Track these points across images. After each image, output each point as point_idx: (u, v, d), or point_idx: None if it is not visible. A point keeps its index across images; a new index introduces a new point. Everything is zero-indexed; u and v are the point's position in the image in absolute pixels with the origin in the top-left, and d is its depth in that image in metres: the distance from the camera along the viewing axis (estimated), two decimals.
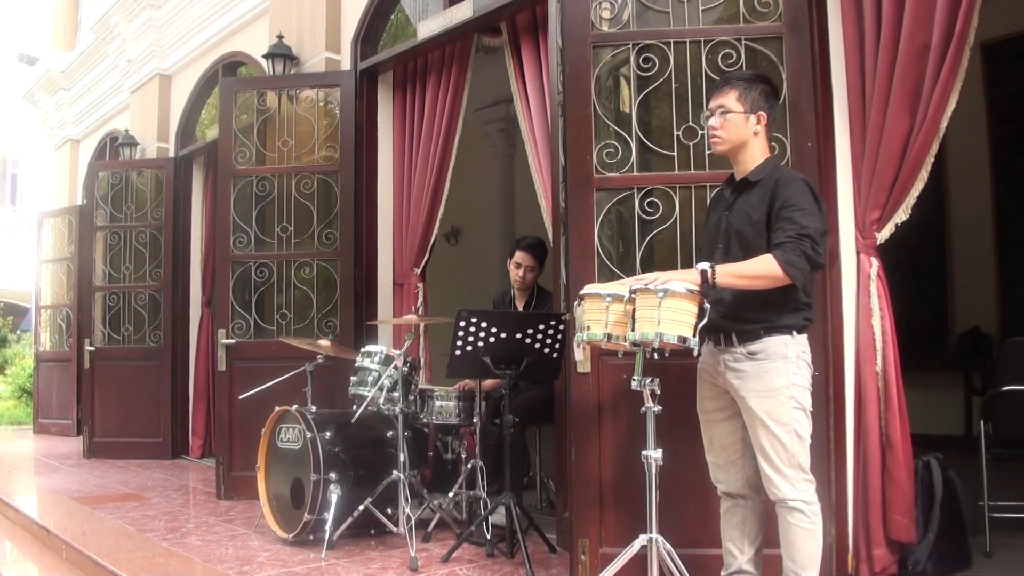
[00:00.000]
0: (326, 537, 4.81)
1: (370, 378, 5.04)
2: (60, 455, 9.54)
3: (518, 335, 4.66)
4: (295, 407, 5.12)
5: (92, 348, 9.23)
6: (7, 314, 22.10)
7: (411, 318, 5.46)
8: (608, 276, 3.98)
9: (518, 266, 5.84)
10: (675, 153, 4.07)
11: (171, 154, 9.39)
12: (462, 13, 5.94)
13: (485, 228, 10.89)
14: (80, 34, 12.87)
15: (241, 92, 6.88)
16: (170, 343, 9.03)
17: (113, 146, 11.07)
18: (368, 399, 4.95)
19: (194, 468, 8.49)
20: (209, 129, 8.91)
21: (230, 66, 8.60)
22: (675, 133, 4.07)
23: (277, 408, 5.24)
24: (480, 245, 10.93)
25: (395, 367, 4.96)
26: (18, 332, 21.35)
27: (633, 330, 3.15)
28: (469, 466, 5.15)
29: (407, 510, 4.87)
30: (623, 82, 4.27)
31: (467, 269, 10.59)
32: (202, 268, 9.24)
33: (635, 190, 4.08)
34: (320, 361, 5.42)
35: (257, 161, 6.73)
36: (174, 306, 9.07)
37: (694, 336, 3.10)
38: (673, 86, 4.10)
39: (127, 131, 9.88)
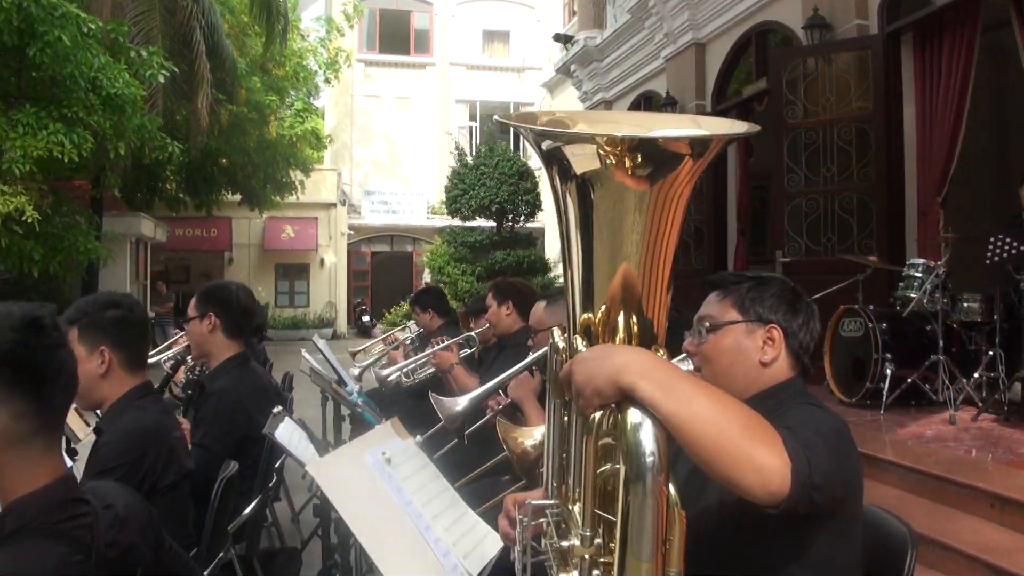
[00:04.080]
0: (883, 400, 6.46)
1: (915, 283, 6.56)
2: None
3: None
4: (858, 305, 6.79)
5: None
6: None
7: (944, 236, 6.86)
8: None
9: None
10: None
11: (707, 110, 11.32)
12: None
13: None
14: (607, 15, 15.14)
15: (789, 60, 8.58)
16: (712, 264, 11.01)
17: (648, 107, 13.29)
18: (915, 300, 6.47)
19: None
20: (744, 87, 10.71)
21: (761, 34, 10.32)
22: None
23: (841, 307, 6.93)
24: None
25: (936, 275, 6.44)
26: None
27: None
28: (990, 354, 6.44)
29: (946, 381, 6.37)
30: None
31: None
32: (736, 204, 11.07)
33: None
34: (868, 272, 7.05)
35: (803, 115, 8.40)
36: (716, 236, 11.06)
37: None
38: None
39: (668, 92, 11.96)
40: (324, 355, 4.81)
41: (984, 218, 9.71)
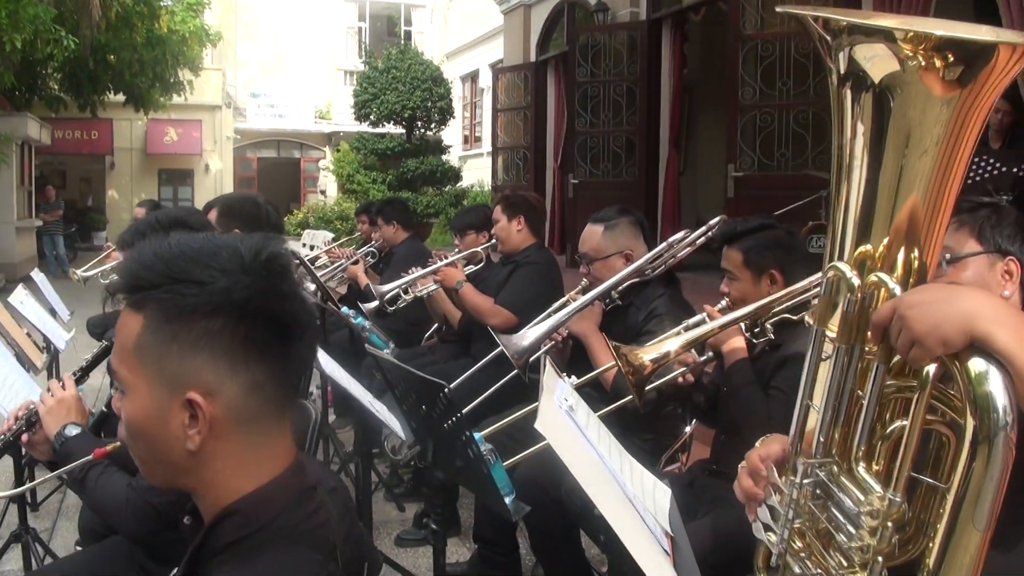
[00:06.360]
0: None
1: None
2: None
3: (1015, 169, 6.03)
4: (825, 221, 6.75)
5: (575, 181, 11.23)
6: None
7: None
8: None
9: (996, 111, 6.99)
10: None
11: (641, 18, 10.97)
12: None
13: None
14: None
15: None
16: (644, 176, 10.81)
17: (572, 14, 12.90)
18: None
19: None
20: None
21: None
22: None
23: (810, 223, 6.87)
24: None
25: None
26: None
27: None
28: None
29: None
30: None
31: None
32: (670, 115, 10.85)
33: None
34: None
35: (760, 26, 8.19)
36: (648, 147, 10.79)
37: None
38: None
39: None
40: (313, 276, 4.41)
41: None
